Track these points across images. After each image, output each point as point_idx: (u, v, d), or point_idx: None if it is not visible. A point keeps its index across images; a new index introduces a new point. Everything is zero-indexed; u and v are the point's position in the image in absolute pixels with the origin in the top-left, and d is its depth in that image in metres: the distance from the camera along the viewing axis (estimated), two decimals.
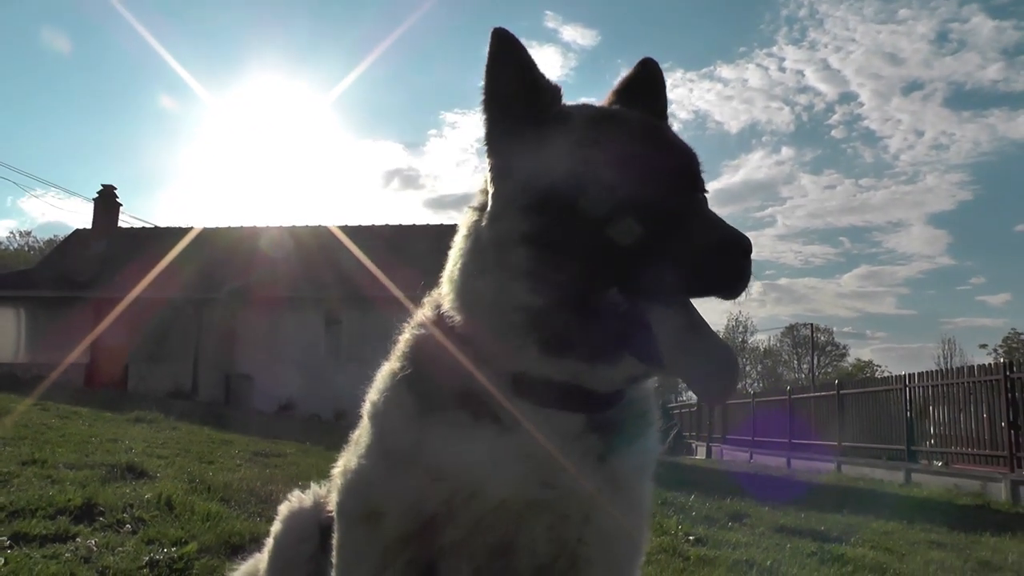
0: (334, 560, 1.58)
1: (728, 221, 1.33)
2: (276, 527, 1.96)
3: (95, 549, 3.08)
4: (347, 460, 1.64)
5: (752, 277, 1.32)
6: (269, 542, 1.98)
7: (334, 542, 1.58)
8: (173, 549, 3.18)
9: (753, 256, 1.54)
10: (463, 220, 1.54)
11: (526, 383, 1.40)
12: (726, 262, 1.28)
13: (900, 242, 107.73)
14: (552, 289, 1.34)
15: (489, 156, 1.49)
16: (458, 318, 1.46)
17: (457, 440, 1.41)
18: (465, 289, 1.46)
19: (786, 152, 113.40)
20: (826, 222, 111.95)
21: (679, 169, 1.41)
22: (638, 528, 1.56)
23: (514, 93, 1.47)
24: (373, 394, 1.58)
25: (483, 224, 1.45)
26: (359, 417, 1.65)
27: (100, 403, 12.55)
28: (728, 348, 1.34)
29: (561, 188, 1.36)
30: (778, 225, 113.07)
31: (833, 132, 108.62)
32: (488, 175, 1.49)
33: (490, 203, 1.45)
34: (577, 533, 1.46)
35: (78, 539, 3.25)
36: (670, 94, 1.68)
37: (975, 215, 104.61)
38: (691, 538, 4.90)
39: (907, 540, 6.21)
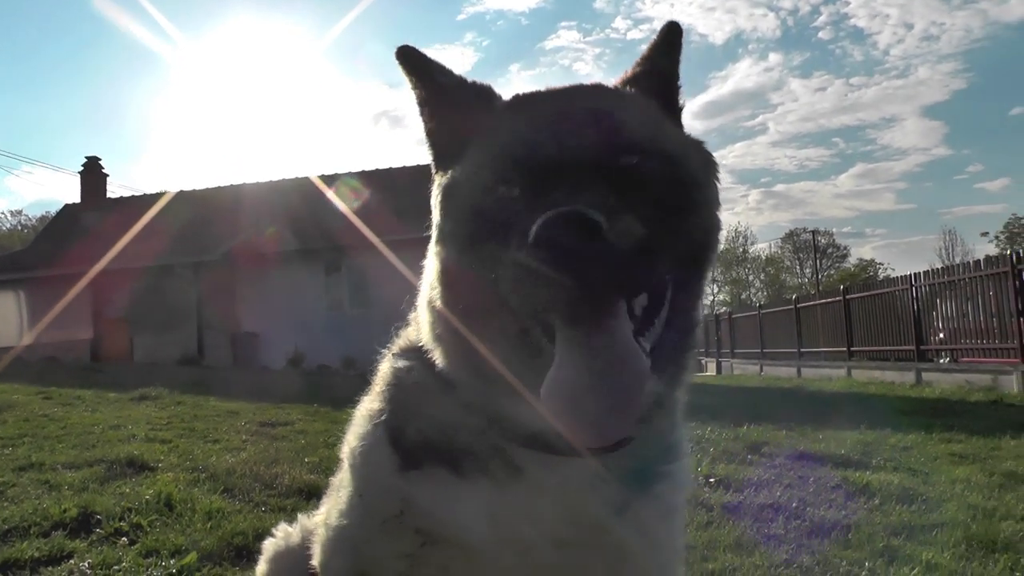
0: None
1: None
2: (261, 568, 1.78)
3: (89, 572, 2.94)
4: (329, 510, 1.45)
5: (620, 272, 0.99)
6: None
7: None
8: (172, 561, 3.04)
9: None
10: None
11: (517, 430, 1.19)
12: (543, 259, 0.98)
13: (895, 137, 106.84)
14: (477, 322, 1.17)
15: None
16: (435, 354, 1.26)
17: (448, 500, 1.20)
18: (427, 324, 1.28)
19: (774, 58, 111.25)
20: (819, 124, 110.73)
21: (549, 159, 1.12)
22: (670, 573, 1.37)
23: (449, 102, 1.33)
24: (351, 437, 1.38)
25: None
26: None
27: (106, 381, 12.45)
28: (620, 386, 1.02)
29: (460, 198, 1.21)
30: (770, 132, 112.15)
31: (820, 34, 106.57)
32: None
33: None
34: None
35: (73, 559, 3.11)
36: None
37: (970, 103, 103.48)
38: (712, 480, 4.79)
39: (928, 455, 6.10)
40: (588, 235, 0.95)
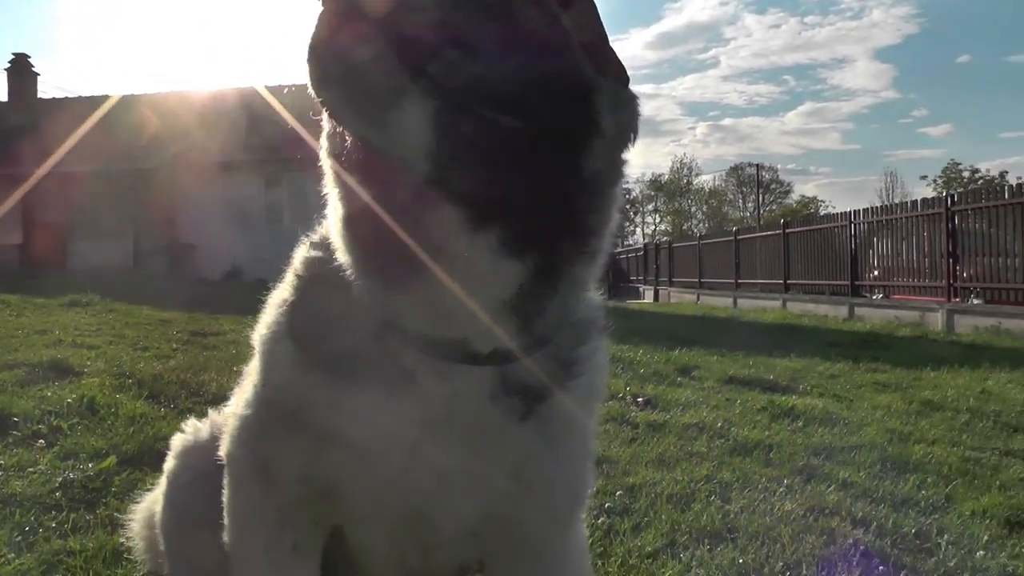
0: (225, 517, 1.37)
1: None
2: (169, 464, 1.74)
3: (1, 474, 2.86)
4: (238, 400, 1.41)
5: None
6: (163, 482, 1.76)
7: (224, 496, 1.37)
8: (91, 465, 2.97)
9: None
10: None
11: (411, 333, 1.13)
12: None
13: (845, 78, 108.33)
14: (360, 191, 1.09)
15: None
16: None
17: (339, 400, 1.16)
18: (331, 210, 1.19)
19: None
20: (770, 61, 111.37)
21: None
22: (578, 479, 1.35)
23: None
24: (262, 326, 1.33)
25: None
26: None
27: (35, 287, 12.09)
28: None
29: None
30: (722, 66, 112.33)
31: None
32: None
33: None
34: (502, 499, 1.25)
35: None
36: None
37: (920, 48, 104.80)
38: (640, 400, 4.85)
39: (853, 383, 6.29)
40: None
